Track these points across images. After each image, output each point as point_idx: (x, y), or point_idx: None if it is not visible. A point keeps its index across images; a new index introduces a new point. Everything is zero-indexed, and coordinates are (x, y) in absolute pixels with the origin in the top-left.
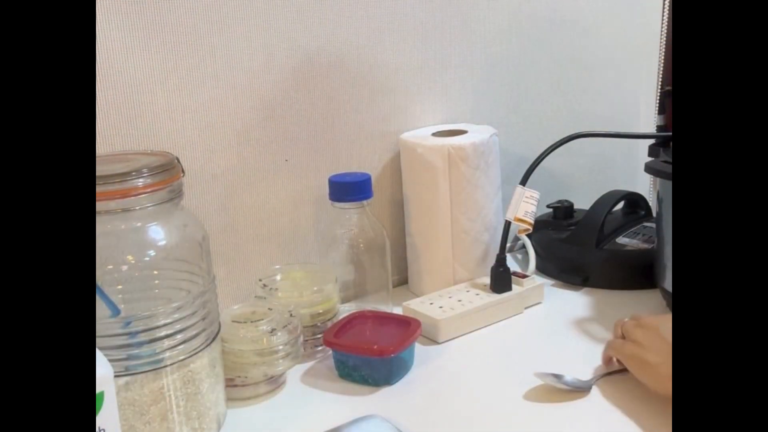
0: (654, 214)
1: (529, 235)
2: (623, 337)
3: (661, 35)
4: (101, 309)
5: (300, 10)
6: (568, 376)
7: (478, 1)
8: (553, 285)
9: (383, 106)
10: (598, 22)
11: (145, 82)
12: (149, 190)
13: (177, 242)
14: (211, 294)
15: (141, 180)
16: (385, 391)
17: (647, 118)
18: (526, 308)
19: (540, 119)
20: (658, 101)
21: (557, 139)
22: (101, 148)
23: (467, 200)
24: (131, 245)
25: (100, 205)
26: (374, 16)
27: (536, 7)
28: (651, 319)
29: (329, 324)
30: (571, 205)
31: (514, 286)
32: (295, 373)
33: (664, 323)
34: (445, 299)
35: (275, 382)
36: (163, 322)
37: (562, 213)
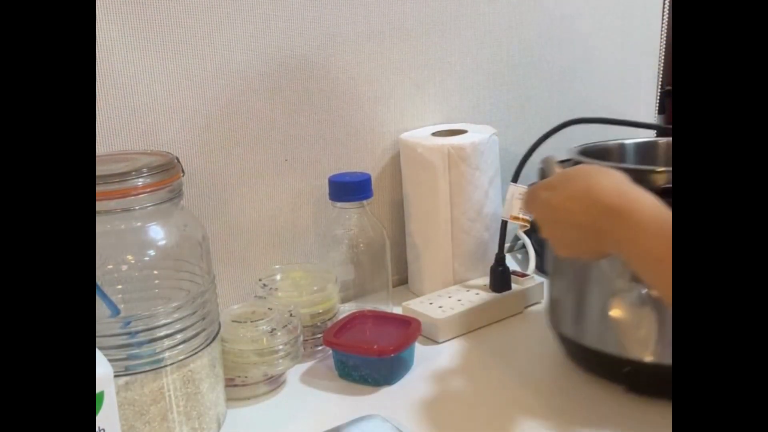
0: None
1: (528, 234)
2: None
3: (661, 35)
4: (101, 309)
5: (300, 10)
6: None
7: (479, 1)
8: None
9: (383, 106)
10: (599, 22)
11: (145, 82)
12: (149, 189)
13: (177, 242)
14: (211, 294)
15: (141, 180)
16: (385, 391)
17: (647, 118)
18: (526, 307)
19: (540, 119)
20: (658, 101)
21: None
22: (101, 147)
23: (467, 200)
24: (131, 245)
25: (100, 205)
26: (374, 15)
27: (536, 7)
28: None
29: (329, 324)
30: None
31: (513, 286)
32: (295, 373)
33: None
34: (444, 299)
35: (275, 382)
36: (163, 321)
37: None
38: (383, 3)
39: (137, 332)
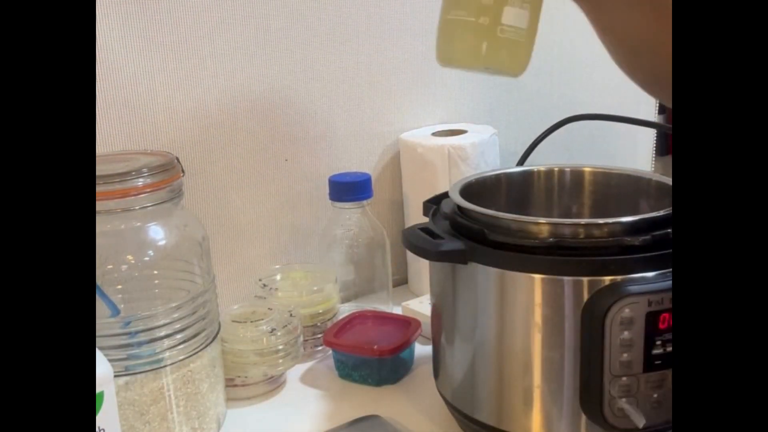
0: None
1: None
2: None
3: None
4: (101, 309)
5: (299, 10)
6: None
7: None
8: None
9: (383, 106)
10: None
11: (145, 82)
12: (149, 189)
13: (177, 242)
14: (211, 294)
15: (141, 180)
16: (385, 391)
17: (647, 117)
18: None
19: (540, 119)
20: (658, 101)
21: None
22: (101, 147)
23: None
24: (131, 245)
25: (100, 205)
26: (374, 15)
27: None
28: None
29: (329, 324)
30: None
31: None
32: (295, 373)
33: None
34: None
35: (275, 382)
36: (162, 321)
37: None
38: (383, 3)
39: (137, 332)
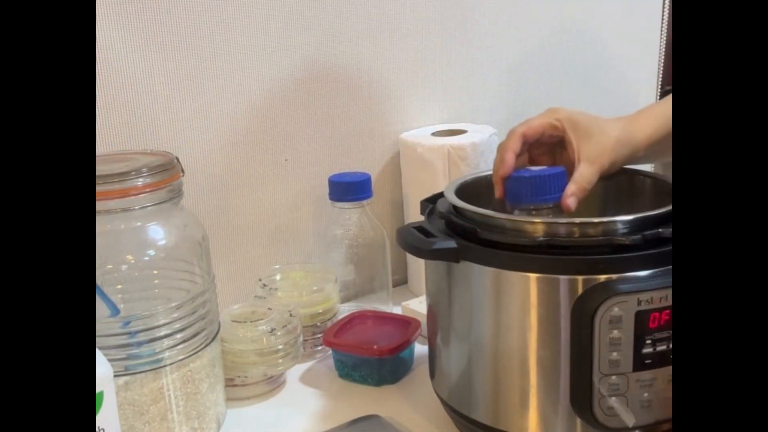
0: None
1: None
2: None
3: (661, 35)
4: (101, 309)
5: (299, 10)
6: None
7: (478, 1)
8: None
9: (383, 106)
10: (599, 22)
11: (145, 82)
12: (149, 189)
13: (176, 242)
14: (211, 294)
15: (141, 179)
16: (385, 391)
17: None
18: None
19: None
20: (657, 100)
21: None
22: (101, 147)
23: None
24: (131, 245)
25: (99, 205)
26: (374, 16)
27: (536, 7)
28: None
29: (329, 324)
30: None
31: None
32: (295, 373)
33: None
34: None
35: (275, 382)
36: (162, 321)
37: None
38: (383, 3)
39: (137, 332)
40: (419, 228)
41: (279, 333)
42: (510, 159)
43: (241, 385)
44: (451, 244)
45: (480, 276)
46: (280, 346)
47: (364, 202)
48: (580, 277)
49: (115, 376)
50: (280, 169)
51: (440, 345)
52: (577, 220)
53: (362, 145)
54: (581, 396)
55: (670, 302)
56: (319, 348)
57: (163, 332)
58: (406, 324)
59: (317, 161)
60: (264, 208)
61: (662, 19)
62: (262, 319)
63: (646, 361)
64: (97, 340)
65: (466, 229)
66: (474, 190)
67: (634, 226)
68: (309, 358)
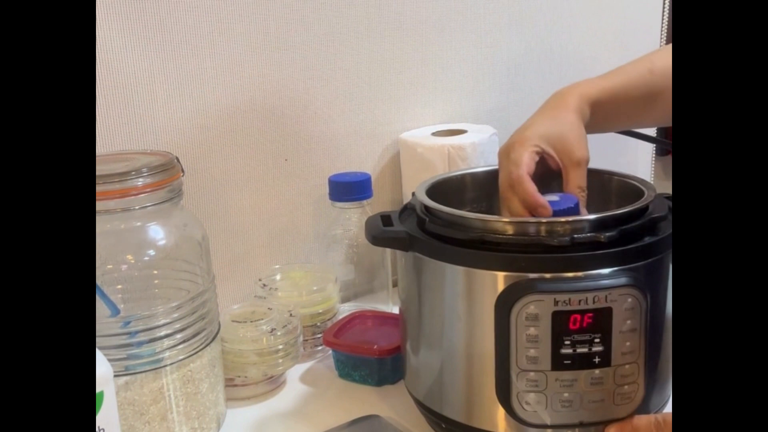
0: None
1: None
2: None
3: (661, 35)
4: (101, 308)
5: (299, 10)
6: None
7: (479, 0)
8: None
9: (383, 106)
10: (599, 22)
11: (144, 82)
12: (149, 189)
13: (176, 242)
14: (211, 294)
15: (141, 179)
16: (385, 391)
17: None
18: None
19: None
20: None
21: None
22: (101, 147)
23: None
24: (131, 245)
25: (99, 205)
26: (373, 15)
27: (536, 7)
28: None
29: (329, 324)
30: None
31: None
32: (295, 373)
33: None
34: None
35: (275, 382)
36: (162, 321)
37: None
38: (383, 2)
39: (137, 332)
40: (384, 216)
41: (279, 333)
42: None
43: (241, 385)
44: (401, 233)
45: (426, 268)
46: (280, 346)
47: (364, 202)
48: (500, 273)
49: (115, 376)
50: (280, 169)
51: (405, 339)
52: (507, 219)
53: (362, 145)
54: (503, 389)
55: (591, 305)
56: (319, 348)
57: (163, 332)
58: None
59: (317, 161)
60: (264, 208)
61: (662, 19)
62: (262, 319)
63: (565, 362)
64: (97, 340)
65: (419, 221)
66: (444, 189)
67: (565, 229)
68: (309, 358)
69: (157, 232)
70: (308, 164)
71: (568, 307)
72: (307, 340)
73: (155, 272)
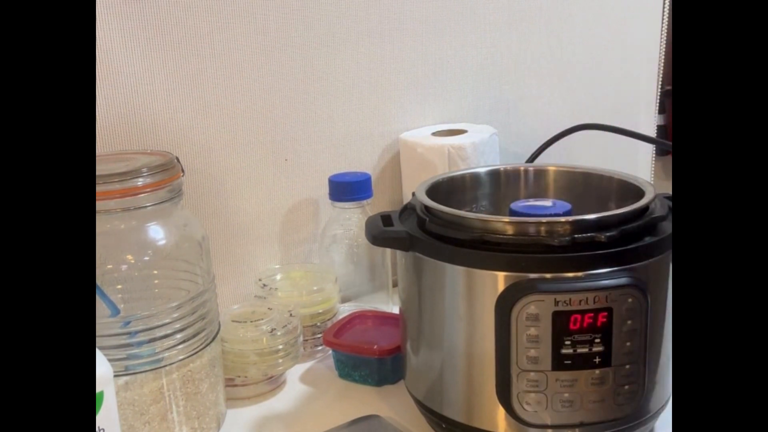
0: None
1: None
2: None
3: (661, 36)
4: (101, 309)
5: (299, 10)
6: None
7: (478, 0)
8: None
9: (383, 106)
10: (599, 22)
11: (145, 82)
12: (149, 189)
13: (176, 242)
14: (211, 294)
15: (141, 179)
16: (385, 391)
17: (647, 117)
18: None
19: (540, 119)
20: (658, 101)
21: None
22: (101, 147)
23: None
24: (131, 245)
25: (99, 205)
26: (373, 15)
27: (536, 7)
28: None
29: (329, 324)
30: None
31: None
32: (295, 373)
33: None
34: None
35: (275, 382)
36: (162, 321)
37: None
38: (383, 2)
39: (137, 332)
40: (385, 216)
41: (279, 333)
42: None
43: (241, 385)
44: (402, 233)
45: (427, 268)
46: (280, 346)
47: (364, 202)
48: (501, 273)
49: (115, 376)
50: (280, 169)
51: (405, 340)
52: (514, 219)
53: (362, 145)
54: (503, 389)
55: (592, 305)
56: (319, 348)
57: (163, 332)
58: None
59: (317, 161)
60: (264, 208)
61: (662, 20)
62: (262, 319)
63: (566, 362)
64: (97, 340)
65: (419, 221)
66: (447, 188)
67: (576, 228)
68: (309, 358)
69: (157, 232)
70: (308, 164)
71: (569, 307)
72: (307, 340)
73: (155, 272)
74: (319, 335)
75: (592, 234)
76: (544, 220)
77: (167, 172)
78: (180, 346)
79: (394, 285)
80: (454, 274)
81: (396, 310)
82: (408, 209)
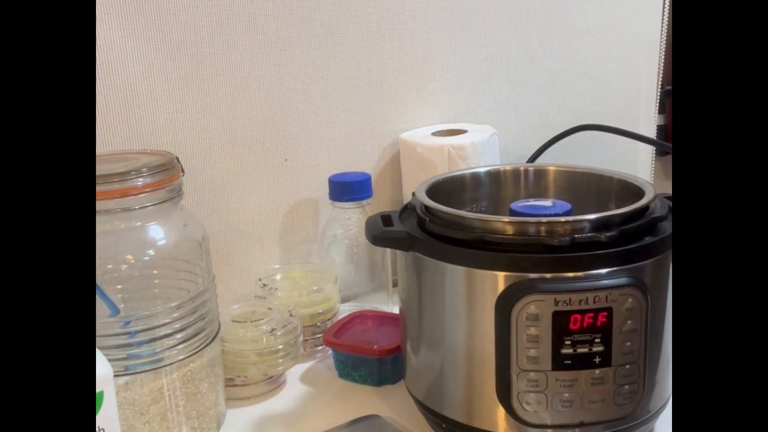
0: None
1: None
2: None
3: (661, 36)
4: (101, 308)
5: (299, 10)
6: None
7: (478, 1)
8: None
9: (383, 106)
10: (599, 22)
11: (144, 82)
12: (149, 189)
13: (176, 242)
14: (211, 293)
15: (141, 179)
16: (385, 391)
17: (647, 117)
18: None
19: (540, 118)
20: (658, 101)
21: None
22: (101, 147)
23: None
24: (131, 245)
25: (99, 205)
26: (373, 15)
27: (536, 6)
28: None
29: (329, 324)
30: None
31: None
32: (295, 372)
33: None
34: None
35: (275, 382)
36: (162, 321)
37: None
38: (383, 2)
39: (137, 332)
40: (384, 216)
41: (279, 333)
42: None
43: (241, 385)
44: (402, 233)
45: (427, 268)
46: (280, 346)
47: (364, 202)
48: (501, 273)
49: (115, 376)
50: (280, 169)
51: (405, 340)
52: (514, 219)
53: (362, 145)
54: (503, 389)
55: (592, 305)
56: (319, 348)
57: (163, 332)
58: None
59: (317, 161)
60: (264, 208)
61: (662, 20)
62: (262, 319)
63: (566, 362)
64: (97, 340)
65: (419, 221)
66: (447, 188)
67: (576, 228)
68: (309, 358)
69: (157, 232)
70: (308, 164)
71: (569, 307)
72: (307, 340)
73: (155, 272)
74: (319, 335)
75: (592, 234)
76: (544, 220)
77: (167, 172)
78: (180, 346)
79: (394, 285)
80: (454, 274)
81: (396, 310)
82: (408, 209)
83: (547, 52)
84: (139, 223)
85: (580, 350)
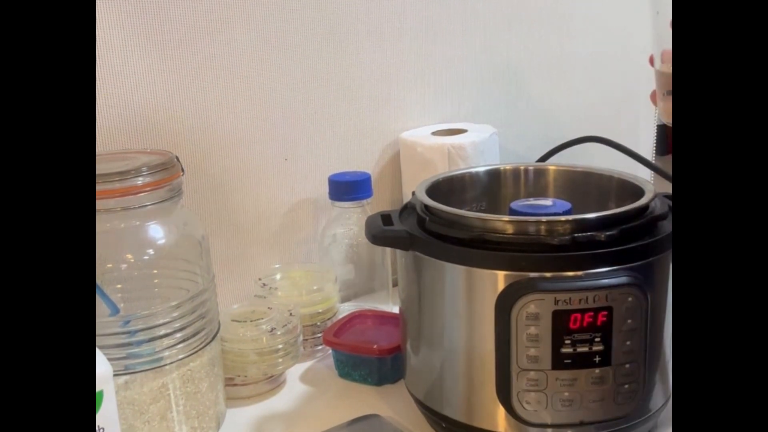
0: None
1: None
2: None
3: None
4: (101, 308)
5: (299, 10)
6: None
7: (479, 0)
8: None
9: (383, 105)
10: (599, 22)
11: (144, 81)
12: (149, 188)
13: (176, 241)
14: (211, 293)
15: (141, 178)
16: (385, 391)
17: (647, 118)
18: None
19: (540, 119)
20: None
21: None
22: (101, 147)
23: None
24: (131, 244)
25: (99, 204)
26: (373, 14)
27: (536, 6)
28: None
29: (329, 323)
30: None
31: None
32: (295, 372)
33: None
34: None
35: (275, 382)
36: (162, 320)
37: None
38: (383, 2)
39: (137, 331)
40: (385, 216)
41: (279, 332)
42: None
43: (241, 384)
44: (402, 233)
45: (427, 267)
46: (280, 346)
47: (364, 201)
48: (501, 272)
49: (114, 375)
50: (280, 169)
51: (406, 339)
52: (514, 218)
53: (362, 145)
54: (503, 389)
55: (592, 304)
56: (319, 348)
57: (162, 331)
58: None
59: (317, 161)
60: (264, 208)
61: None
62: (262, 319)
63: (566, 361)
64: (97, 339)
65: (419, 220)
66: (447, 187)
67: (576, 227)
68: (309, 357)
69: (156, 231)
70: (308, 164)
71: (569, 307)
72: (307, 340)
73: (155, 271)
74: (319, 335)
75: (592, 233)
76: (544, 219)
77: (167, 171)
78: (180, 346)
79: (394, 285)
80: (454, 273)
81: (396, 309)
82: (408, 208)
83: (547, 52)
84: (138, 223)
85: (580, 349)
